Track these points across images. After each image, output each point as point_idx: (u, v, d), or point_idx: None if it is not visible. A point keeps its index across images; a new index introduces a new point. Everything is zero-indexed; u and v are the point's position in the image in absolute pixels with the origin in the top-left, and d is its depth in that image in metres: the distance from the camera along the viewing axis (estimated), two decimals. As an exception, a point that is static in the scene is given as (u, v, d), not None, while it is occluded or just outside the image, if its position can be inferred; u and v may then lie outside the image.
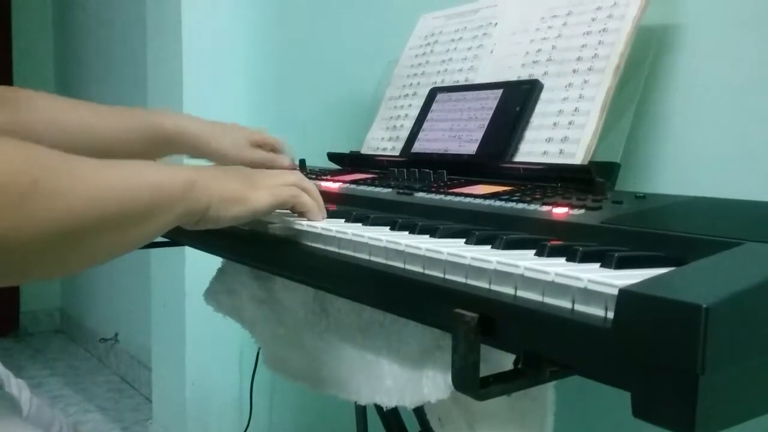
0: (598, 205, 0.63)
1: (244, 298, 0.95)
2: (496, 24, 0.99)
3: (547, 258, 0.50)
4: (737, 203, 0.66)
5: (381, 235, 0.58)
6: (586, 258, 0.48)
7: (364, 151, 1.09)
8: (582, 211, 0.62)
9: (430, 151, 0.95)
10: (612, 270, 0.45)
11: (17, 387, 0.85)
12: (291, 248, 0.68)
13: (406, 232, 0.62)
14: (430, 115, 0.98)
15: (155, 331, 1.97)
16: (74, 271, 0.59)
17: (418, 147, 0.97)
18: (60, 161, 0.52)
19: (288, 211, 0.72)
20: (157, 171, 0.60)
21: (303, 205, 0.70)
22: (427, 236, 0.60)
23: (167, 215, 0.59)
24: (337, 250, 0.63)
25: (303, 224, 0.68)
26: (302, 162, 1.10)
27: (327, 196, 0.86)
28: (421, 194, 0.78)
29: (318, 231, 0.65)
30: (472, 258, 0.49)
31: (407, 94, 1.06)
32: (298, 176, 0.72)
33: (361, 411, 1.09)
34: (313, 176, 0.98)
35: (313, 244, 0.66)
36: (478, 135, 0.89)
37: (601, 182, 0.72)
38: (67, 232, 0.51)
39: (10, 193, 0.47)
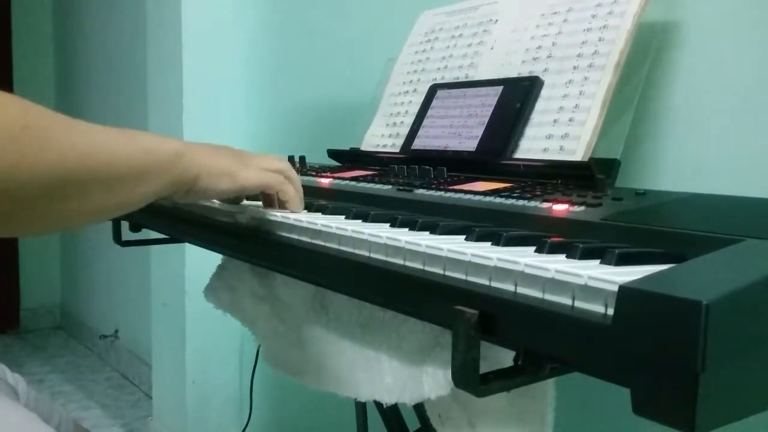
0: (599, 202, 0.63)
1: (244, 294, 0.95)
2: (496, 21, 0.99)
3: (548, 255, 0.50)
4: (737, 200, 0.66)
5: (381, 232, 0.58)
6: (586, 255, 0.48)
7: (364, 148, 1.09)
8: (582, 207, 0.62)
9: (430, 148, 0.95)
10: (612, 267, 0.45)
11: (13, 380, 0.85)
12: (291, 245, 0.68)
13: (406, 229, 0.62)
14: (430, 112, 0.98)
15: (155, 327, 1.97)
16: (66, 228, 0.60)
17: (418, 144, 0.97)
18: (53, 114, 0.53)
19: (258, 203, 0.74)
20: (148, 137, 0.62)
21: (285, 194, 0.72)
22: (428, 233, 0.60)
23: (156, 181, 0.61)
24: (337, 246, 0.63)
25: (277, 215, 0.69)
26: (302, 159, 1.10)
27: (327, 193, 0.86)
28: (421, 191, 0.78)
29: (318, 227, 0.65)
30: (473, 255, 0.49)
31: (407, 91, 1.06)
32: (285, 164, 0.74)
33: (361, 408, 1.09)
34: (313, 173, 0.98)
35: (313, 241, 0.66)
36: (479, 132, 0.89)
37: (602, 179, 0.72)
38: (59, 181, 0.51)
39: (0, 135, 0.48)
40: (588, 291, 0.41)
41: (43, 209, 0.52)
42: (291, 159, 1.10)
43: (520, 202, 0.67)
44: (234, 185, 0.68)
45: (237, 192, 0.69)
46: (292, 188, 0.73)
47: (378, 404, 0.93)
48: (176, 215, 0.86)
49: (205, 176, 0.65)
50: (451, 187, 0.76)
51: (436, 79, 1.02)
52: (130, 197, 0.59)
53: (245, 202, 0.80)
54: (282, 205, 0.73)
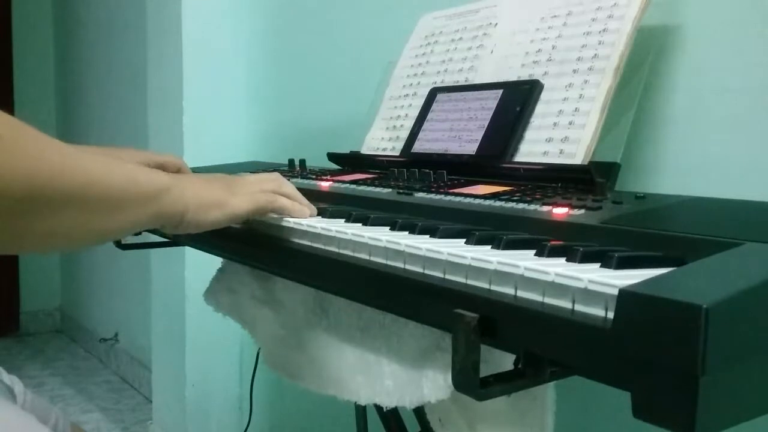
0: (598, 206, 0.63)
1: (244, 297, 0.95)
2: (496, 24, 0.99)
3: (548, 258, 0.50)
4: (737, 203, 0.66)
5: (381, 236, 0.58)
6: (586, 258, 0.48)
7: (364, 151, 1.09)
8: (582, 211, 0.62)
9: (430, 151, 0.95)
10: (612, 270, 0.45)
11: (10, 381, 0.85)
12: (291, 248, 0.68)
13: (406, 233, 0.62)
14: (430, 115, 0.98)
15: (155, 330, 1.97)
16: (49, 248, 0.60)
17: (418, 147, 0.97)
18: (27, 128, 0.51)
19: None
20: (136, 169, 0.61)
21: (282, 209, 0.72)
22: (427, 236, 0.60)
23: (137, 212, 0.60)
24: (336, 250, 0.63)
25: (290, 221, 0.70)
26: (302, 162, 1.10)
27: (327, 196, 0.86)
28: (421, 194, 0.78)
29: (318, 231, 0.65)
30: (473, 258, 0.49)
31: (407, 94, 1.06)
32: (276, 182, 0.74)
33: (361, 411, 1.09)
34: (313, 176, 0.98)
35: (313, 244, 0.66)
36: (478, 135, 0.89)
37: (601, 182, 0.72)
38: (27, 196, 0.50)
39: None
40: (588, 294, 0.41)
41: (16, 226, 0.51)
42: (291, 162, 1.11)
43: (520, 206, 0.67)
44: (224, 216, 0.68)
45: (229, 221, 0.69)
46: (287, 202, 0.72)
47: (378, 407, 0.93)
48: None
49: (193, 210, 0.65)
50: (451, 191, 0.76)
51: (436, 82, 1.02)
52: (108, 224, 0.58)
53: None
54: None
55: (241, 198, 0.70)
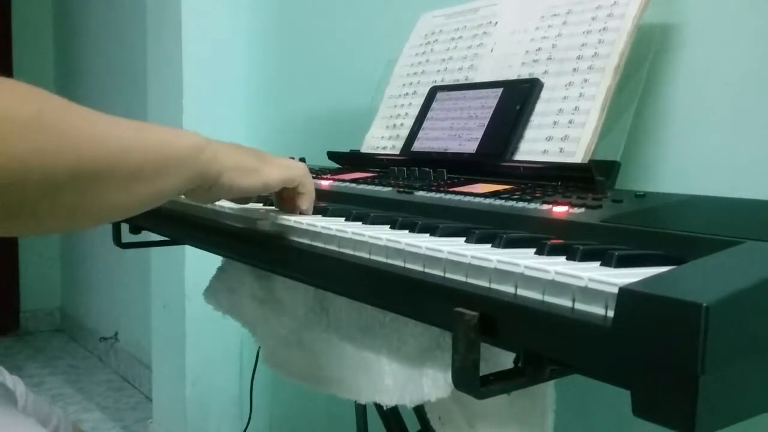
0: (599, 204, 0.63)
1: (244, 296, 0.95)
2: (496, 23, 0.99)
3: (548, 257, 0.50)
4: (737, 202, 0.66)
5: (381, 234, 0.58)
6: (586, 257, 0.48)
7: (364, 150, 1.09)
8: (582, 209, 0.62)
9: (430, 150, 0.95)
10: (612, 269, 0.45)
11: (11, 381, 0.85)
12: (291, 247, 0.68)
13: (406, 231, 0.62)
14: (430, 114, 0.98)
15: (155, 329, 1.97)
16: (82, 226, 0.56)
17: (418, 146, 0.97)
18: (68, 103, 0.51)
19: (273, 208, 0.75)
20: (166, 129, 0.59)
21: (304, 186, 0.72)
22: (427, 235, 0.60)
23: (176, 176, 0.58)
24: (337, 248, 0.63)
25: (290, 220, 0.69)
26: (302, 161, 1.10)
27: (327, 195, 0.86)
28: (421, 193, 0.78)
29: (318, 229, 0.65)
30: (473, 257, 0.49)
31: (407, 93, 1.06)
32: (303, 164, 0.74)
33: (361, 410, 1.09)
34: (314, 175, 0.98)
35: (313, 243, 0.66)
36: (478, 134, 0.89)
37: (602, 181, 0.72)
38: (73, 172, 0.48)
39: (12, 121, 0.45)
40: (588, 293, 0.41)
41: (56, 203, 0.49)
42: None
43: (520, 204, 0.67)
44: (258, 182, 0.67)
45: (261, 189, 0.68)
46: (311, 182, 0.73)
47: (378, 406, 0.93)
48: (176, 217, 0.86)
49: (228, 172, 0.63)
50: (451, 189, 0.76)
51: (436, 81, 1.02)
52: (149, 192, 0.56)
53: (251, 204, 0.80)
54: (295, 203, 0.73)
55: (274, 167, 0.69)
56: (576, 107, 0.80)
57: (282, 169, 0.69)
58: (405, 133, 1.01)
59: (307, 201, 0.72)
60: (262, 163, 0.68)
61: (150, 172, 0.55)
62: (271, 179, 0.68)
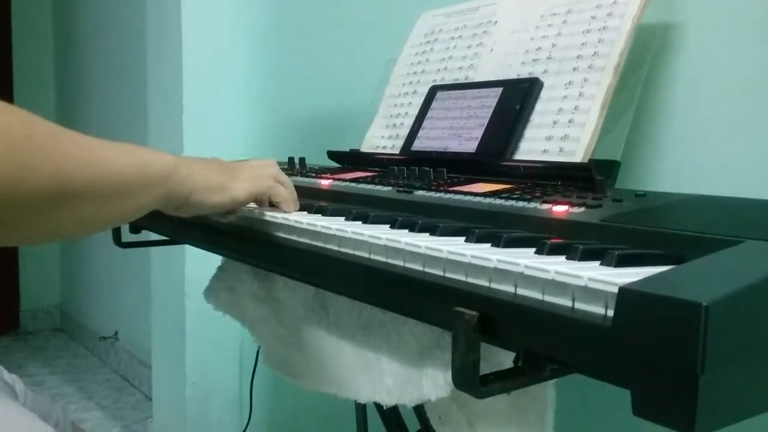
0: (598, 203, 0.63)
1: (244, 296, 0.95)
2: (496, 22, 0.99)
3: (547, 256, 0.50)
4: (737, 201, 0.66)
5: (381, 234, 0.58)
6: (586, 256, 0.48)
7: (364, 149, 1.09)
8: (582, 209, 0.62)
9: (430, 149, 0.95)
10: (612, 268, 0.45)
11: (11, 380, 0.85)
12: (291, 246, 0.68)
13: (406, 231, 0.62)
14: (430, 113, 0.98)
15: (155, 329, 1.97)
16: (62, 238, 0.61)
17: (418, 145, 0.97)
18: (54, 126, 0.54)
19: (273, 208, 0.76)
20: (144, 151, 0.62)
21: (278, 196, 0.74)
22: (427, 234, 0.60)
23: (150, 194, 0.62)
24: (337, 248, 0.63)
25: (277, 216, 0.70)
26: (302, 160, 1.10)
27: (327, 195, 0.86)
28: (420, 192, 0.78)
29: (318, 229, 0.65)
30: (472, 256, 0.49)
31: (407, 93, 1.06)
32: (275, 169, 0.75)
33: (361, 410, 1.09)
34: (313, 174, 0.98)
35: (313, 242, 0.66)
36: (478, 133, 0.89)
37: (601, 180, 0.72)
38: (57, 192, 0.52)
39: (2, 144, 0.49)
40: (588, 292, 0.41)
41: (53, 218, 0.54)
42: (291, 160, 1.11)
43: (520, 204, 0.67)
44: (226, 199, 0.69)
45: (229, 206, 0.71)
46: (283, 190, 0.74)
47: (378, 406, 0.93)
48: (176, 217, 0.86)
49: (198, 191, 0.66)
50: (450, 189, 0.76)
51: (435, 80, 1.02)
52: (123, 209, 0.60)
53: (251, 204, 0.80)
54: (277, 207, 0.75)
55: (242, 183, 0.71)
56: (576, 107, 0.80)
57: (251, 186, 0.71)
58: (405, 132, 1.01)
59: (285, 206, 0.74)
60: (230, 179, 0.70)
61: (127, 190, 0.59)
62: (239, 195, 0.70)
